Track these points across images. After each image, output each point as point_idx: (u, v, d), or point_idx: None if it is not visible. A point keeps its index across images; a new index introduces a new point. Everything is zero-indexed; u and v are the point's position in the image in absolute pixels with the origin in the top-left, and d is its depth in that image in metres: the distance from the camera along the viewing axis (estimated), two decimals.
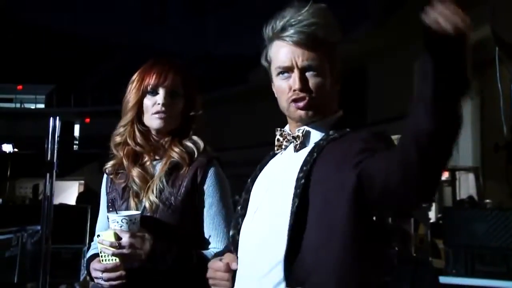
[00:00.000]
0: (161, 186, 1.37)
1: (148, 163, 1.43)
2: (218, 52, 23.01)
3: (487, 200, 7.10)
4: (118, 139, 1.45)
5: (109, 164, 1.47)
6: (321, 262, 0.98)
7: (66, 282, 5.27)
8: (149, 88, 1.40)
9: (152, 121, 1.41)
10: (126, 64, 24.39)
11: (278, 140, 1.16)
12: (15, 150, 15.65)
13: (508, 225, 3.87)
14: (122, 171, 1.44)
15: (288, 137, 1.15)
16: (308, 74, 1.11)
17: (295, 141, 1.13)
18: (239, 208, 1.20)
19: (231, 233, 1.19)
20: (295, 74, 1.10)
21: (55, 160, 4.45)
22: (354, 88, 12.67)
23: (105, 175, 1.52)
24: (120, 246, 1.26)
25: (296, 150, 1.13)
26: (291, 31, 1.09)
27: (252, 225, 1.12)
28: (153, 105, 1.40)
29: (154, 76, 1.40)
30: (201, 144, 1.43)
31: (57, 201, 5.82)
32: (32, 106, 26.20)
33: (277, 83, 1.14)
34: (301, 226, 1.01)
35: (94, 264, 1.31)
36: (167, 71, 1.41)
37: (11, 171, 13.12)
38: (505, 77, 6.71)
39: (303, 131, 1.13)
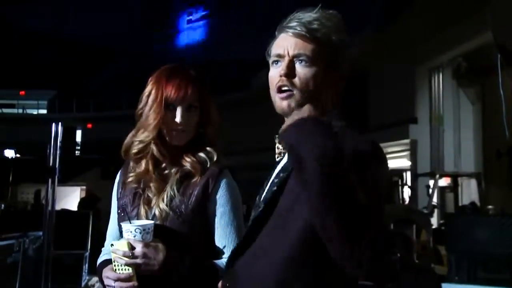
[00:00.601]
0: (172, 194, 1.37)
1: (166, 171, 1.42)
2: (220, 57, 23.06)
3: (490, 206, 7.06)
4: (136, 151, 1.42)
5: (131, 176, 1.43)
6: (259, 270, 0.97)
7: None
8: (168, 103, 1.38)
9: (171, 136, 1.40)
10: (128, 70, 24.54)
11: (278, 147, 1.15)
12: (17, 155, 15.66)
13: (511, 232, 3.86)
14: (134, 175, 1.43)
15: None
16: (298, 63, 1.09)
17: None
18: (250, 224, 1.18)
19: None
20: (285, 61, 1.09)
21: (57, 166, 4.47)
22: (355, 93, 12.71)
23: (116, 179, 1.51)
24: (133, 256, 1.25)
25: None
26: (293, 23, 1.10)
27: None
28: (172, 120, 1.39)
29: (172, 91, 1.37)
30: (215, 154, 1.42)
31: (58, 206, 5.82)
32: (35, 112, 26.28)
33: (270, 72, 1.14)
34: (258, 231, 1.01)
35: (107, 273, 1.30)
36: (186, 85, 1.38)
37: (13, 176, 13.15)
38: (507, 83, 6.71)
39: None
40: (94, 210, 6.88)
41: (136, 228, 1.27)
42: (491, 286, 3.59)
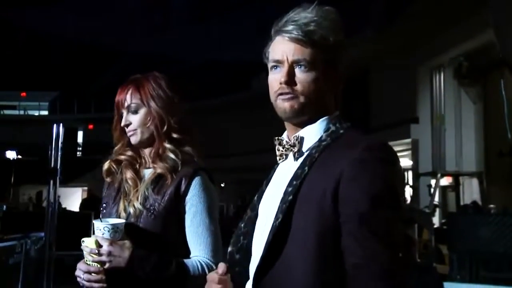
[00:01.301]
0: (146, 193, 1.42)
1: (141, 172, 1.50)
2: (221, 59, 23.06)
3: (491, 205, 7.06)
4: (113, 155, 1.55)
5: (105, 165, 1.55)
6: (293, 279, 0.97)
7: None
8: (118, 110, 1.51)
9: (130, 139, 1.51)
10: (129, 71, 24.42)
11: (278, 149, 1.14)
12: (19, 156, 15.70)
13: None
14: (118, 176, 1.52)
15: (286, 146, 1.12)
16: (297, 69, 1.08)
17: (293, 149, 1.11)
18: (241, 225, 1.17)
19: (229, 249, 1.17)
20: (284, 67, 1.08)
21: (58, 167, 4.48)
22: (356, 93, 12.71)
23: (105, 183, 1.59)
24: (99, 254, 1.31)
25: (296, 158, 1.11)
26: (289, 27, 1.08)
27: (256, 243, 1.11)
28: (123, 124, 1.50)
29: (117, 98, 1.51)
30: (178, 151, 1.47)
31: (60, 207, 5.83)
32: (36, 113, 26.38)
33: (269, 78, 1.13)
34: (281, 241, 1.00)
35: (80, 264, 1.36)
36: (127, 90, 1.49)
37: (15, 177, 13.19)
38: (509, 82, 6.71)
39: (297, 137, 1.10)
40: (96, 211, 6.87)
41: (105, 227, 1.32)
42: (492, 285, 3.53)
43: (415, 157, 10.30)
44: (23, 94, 25.69)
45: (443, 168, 9.20)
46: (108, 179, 1.55)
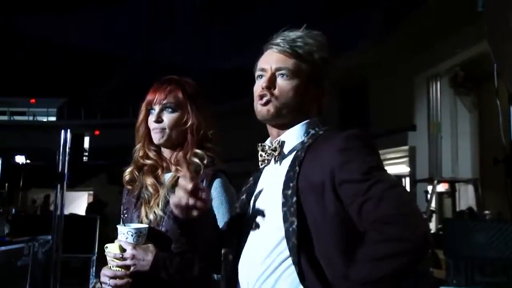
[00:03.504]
0: (168, 198, 1.37)
1: (160, 173, 1.47)
2: (225, 66, 23.02)
3: (486, 211, 7.11)
4: (135, 158, 1.51)
5: (127, 172, 1.51)
6: (332, 268, 0.98)
7: None
8: (148, 107, 1.47)
9: (152, 136, 1.47)
10: (134, 78, 24.65)
11: (261, 155, 1.16)
12: (28, 161, 15.79)
13: (508, 237, 3.89)
14: (138, 184, 1.49)
15: (268, 151, 1.15)
16: (279, 77, 1.13)
17: (274, 153, 1.14)
18: (233, 226, 1.19)
19: (223, 250, 1.18)
20: (267, 74, 1.14)
21: (65, 172, 4.55)
22: (356, 101, 12.75)
23: (124, 189, 1.56)
24: (123, 258, 1.31)
25: (276, 161, 1.14)
26: (278, 40, 1.15)
27: (250, 248, 1.11)
28: (151, 122, 1.46)
29: (151, 94, 1.46)
30: (206, 157, 1.44)
31: (67, 211, 5.90)
32: (44, 119, 26.48)
33: (254, 86, 1.17)
34: (306, 241, 1.00)
35: (105, 270, 1.35)
36: (164, 88, 1.45)
37: (23, 181, 13.28)
38: (503, 91, 6.79)
39: (278, 141, 1.14)
40: (102, 215, 6.97)
41: (129, 231, 1.32)
42: None
43: (412, 164, 10.34)
44: (32, 100, 25.73)
45: (440, 174, 9.23)
46: (129, 187, 1.52)
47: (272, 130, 1.18)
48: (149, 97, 1.47)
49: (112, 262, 1.32)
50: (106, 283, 1.33)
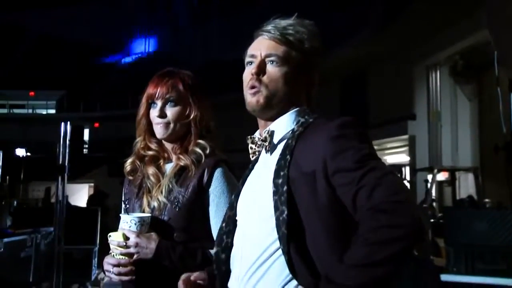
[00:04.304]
0: (170, 186, 1.41)
1: (161, 163, 1.49)
2: (226, 57, 22.98)
3: (486, 200, 7.14)
4: (135, 150, 1.53)
5: (128, 162, 1.53)
6: (319, 255, 0.98)
7: (78, 282, 5.37)
8: (150, 101, 1.47)
9: (156, 131, 1.48)
10: (133, 71, 24.61)
11: (251, 148, 1.16)
12: (28, 154, 15.84)
13: (507, 224, 3.90)
14: (139, 174, 1.50)
15: (258, 142, 1.15)
16: (269, 64, 1.11)
17: (264, 144, 1.13)
18: (223, 225, 1.18)
19: (214, 249, 1.17)
20: (256, 60, 1.12)
21: (66, 164, 4.58)
22: (355, 91, 12.75)
23: (125, 179, 1.57)
24: (127, 246, 1.32)
25: (267, 151, 1.14)
26: (269, 27, 1.14)
27: (241, 240, 1.11)
28: (154, 116, 1.47)
29: (152, 88, 1.46)
30: (208, 147, 1.45)
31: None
32: (44, 112, 26.50)
33: (244, 73, 1.16)
34: (297, 231, 0.99)
35: (108, 259, 1.36)
36: (165, 81, 1.45)
37: (24, 174, 13.33)
38: (503, 79, 6.78)
39: (268, 131, 1.13)
40: (103, 206, 7.01)
41: (132, 219, 1.34)
42: (488, 276, 3.61)
43: (412, 153, 10.35)
44: (32, 93, 25.74)
45: (440, 163, 9.25)
46: (130, 177, 1.53)
47: (260, 122, 1.17)
48: (150, 90, 1.46)
49: (115, 250, 1.33)
50: (109, 271, 1.35)
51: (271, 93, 1.10)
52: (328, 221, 0.98)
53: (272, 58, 1.11)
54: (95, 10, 28.59)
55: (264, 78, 1.11)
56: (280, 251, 1.00)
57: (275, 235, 1.00)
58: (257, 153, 1.16)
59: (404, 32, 9.62)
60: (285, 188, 1.00)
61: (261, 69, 1.11)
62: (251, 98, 1.12)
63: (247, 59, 1.15)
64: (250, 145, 1.16)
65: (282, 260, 1.00)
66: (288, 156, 1.04)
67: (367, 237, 0.90)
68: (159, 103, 1.45)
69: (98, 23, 28.10)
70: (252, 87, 1.11)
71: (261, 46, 1.13)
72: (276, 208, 1.01)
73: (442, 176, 8.76)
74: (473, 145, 9.69)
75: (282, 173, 1.02)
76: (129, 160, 1.52)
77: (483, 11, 6.76)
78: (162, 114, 1.44)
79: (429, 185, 7.99)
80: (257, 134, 1.18)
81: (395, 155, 11.57)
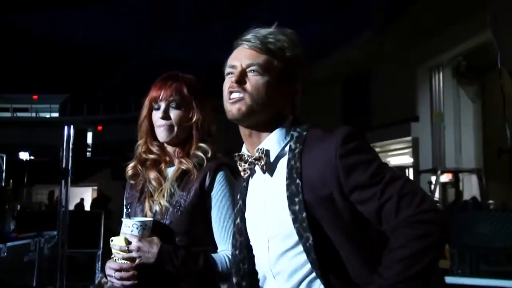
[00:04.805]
0: (172, 190, 1.40)
1: (163, 167, 1.47)
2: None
3: (490, 201, 7.12)
4: (137, 153, 1.52)
5: (130, 166, 1.52)
6: (351, 272, 1.00)
7: (82, 285, 5.36)
8: (153, 103, 1.46)
9: (158, 133, 1.46)
10: (136, 73, 24.71)
11: (241, 165, 1.12)
12: (32, 157, 15.85)
13: None
14: (141, 179, 1.49)
15: (250, 160, 1.11)
16: (250, 73, 1.09)
17: (259, 163, 1.09)
18: (236, 252, 1.15)
19: (234, 280, 1.14)
20: (236, 71, 1.09)
21: (69, 168, 4.58)
22: (358, 93, 12.74)
23: (127, 183, 1.57)
24: (129, 250, 1.31)
25: (264, 171, 1.10)
26: (249, 36, 1.11)
27: (268, 268, 1.08)
28: (157, 118, 1.46)
29: (156, 91, 1.46)
30: (210, 151, 1.45)
31: (71, 206, 5.94)
32: (47, 115, 26.58)
33: (224, 84, 1.13)
34: (327, 256, 0.99)
35: (110, 263, 1.35)
36: (169, 85, 1.45)
37: (27, 178, 13.34)
38: (507, 81, 6.77)
39: (262, 150, 1.09)
40: (106, 210, 7.00)
41: (134, 224, 1.33)
42: (493, 278, 3.57)
43: (415, 154, 10.34)
44: (35, 97, 25.83)
45: (443, 165, 9.25)
46: (131, 181, 1.52)
47: (245, 132, 1.13)
48: (153, 93, 1.46)
49: (117, 254, 1.32)
50: (111, 276, 1.34)
51: (254, 101, 1.07)
52: (355, 239, 1.00)
53: (253, 68, 1.09)
54: (98, 13, 28.72)
55: (246, 86, 1.08)
56: (313, 275, 1.01)
57: (304, 260, 1.01)
58: (248, 170, 1.12)
59: (407, 34, 9.63)
60: (304, 214, 0.99)
61: (241, 78, 1.08)
62: (232, 106, 1.08)
63: (227, 69, 1.12)
64: (239, 162, 1.12)
65: (318, 283, 1.01)
66: (298, 180, 1.02)
67: (404, 250, 0.92)
68: (162, 105, 1.45)
69: (101, 26, 28.21)
70: (233, 94, 1.08)
71: (241, 56, 1.11)
72: (300, 236, 1.00)
73: (445, 177, 8.75)
74: (476, 146, 9.69)
75: (297, 199, 1.01)
76: (131, 165, 1.51)
77: (486, 12, 6.76)
78: (166, 116, 1.44)
79: (432, 186, 7.98)
80: (245, 151, 1.14)
81: (398, 157, 11.55)
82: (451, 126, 9.86)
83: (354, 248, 0.99)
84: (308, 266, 1.01)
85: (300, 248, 1.01)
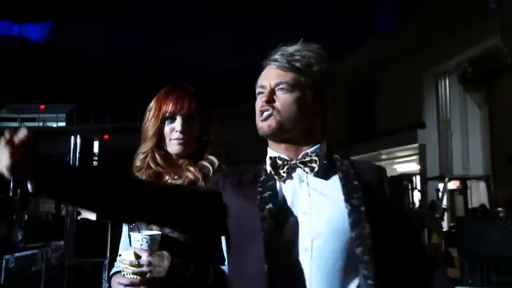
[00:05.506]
0: None
1: (168, 181, 1.45)
2: (232, 67, 23.06)
3: (499, 208, 7.05)
4: (139, 163, 1.49)
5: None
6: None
7: None
8: (167, 115, 1.45)
9: (172, 147, 1.45)
10: (141, 82, 24.87)
11: (279, 167, 1.13)
12: None
13: None
14: None
15: (291, 164, 1.13)
16: (279, 92, 1.13)
17: (309, 165, 1.12)
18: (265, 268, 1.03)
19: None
20: (266, 90, 1.14)
21: None
22: (364, 99, 12.71)
23: None
24: (139, 265, 1.29)
25: (316, 174, 1.12)
26: (276, 56, 1.15)
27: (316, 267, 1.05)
28: (172, 131, 1.45)
29: (171, 104, 1.44)
30: (216, 163, 1.45)
31: (78, 216, 5.91)
32: (54, 125, 26.79)
33: (256, 103, 1.16)
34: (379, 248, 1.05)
35: (119, 278, 1.32)
36: (183, 98, 1.45)
37: None
38: None
39: (315, 153, 1.13)
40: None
41: (143, 238, 1.31)
42: None
43: (422, 161, 10.28)
44: (42, 106, 26.10)
45: (451, 172, 9.18)
46: None
47: (281, 146, 1.14)
48: (167, 107, 1.45)
49: (126, 269, 1.29)
50: None
51: (284, 117, 1.11)
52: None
53: (281, 86, 1.12)
54: (103, 23, 29.00)
55: (276, 104, 1.12)
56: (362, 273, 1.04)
57: (354, 258, 1.04)
58: (285, 175, 1.12)
59: (412, 40, 9.62)
60: (363, 207, 1.05)
61: (271, 97, 1.12)
62: (263, 123, 1.12)
63: (258, 89, 1.16)
64: (279, 163, 1.13)
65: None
66: (355, 182, 1.09)
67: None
68: (179, 119, 1.44)
69: (106, 36, 28.48)
70: (264, 111, 1.12)
71: (270, 76, 1.14)
72: (355, 226, 1.04)
73: (453, 184, 8.69)
74: (484, 153, 9.63)
75: (356, 196, 1.07)
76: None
77: (491, 18, 6.74)
78: (184, 130, 1.43)
79: (440, 194, 7.91)
80: (283, 156, 1.14)
81: (405, 164, 11.50)
82: (458, 133, 9.82)
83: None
84: (354, 261, 1.04)
85: (348, 246, 1.04)
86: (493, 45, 7.39)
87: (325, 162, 1.13)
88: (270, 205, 1.09)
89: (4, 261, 3.62)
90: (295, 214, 1.09)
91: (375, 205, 1.07)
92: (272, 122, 1.11)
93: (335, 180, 1.11)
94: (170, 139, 1.45)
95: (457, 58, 9.40)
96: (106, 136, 22.24)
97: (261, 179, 1.15)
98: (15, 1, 27.71)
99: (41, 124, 26.67)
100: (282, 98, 1.12)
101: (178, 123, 1.44)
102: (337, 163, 1.14)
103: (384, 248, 1.05)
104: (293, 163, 1.12)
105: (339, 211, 1.06)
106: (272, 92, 1.13)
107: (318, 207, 1.08)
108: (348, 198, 1.06)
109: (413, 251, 1.13)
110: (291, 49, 1.15)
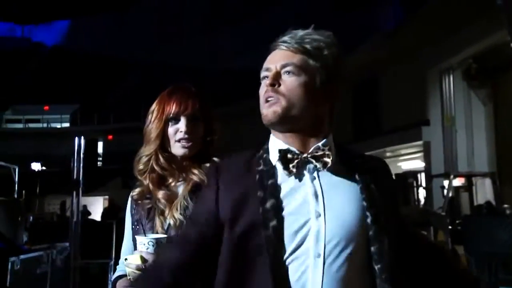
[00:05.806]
0: (185, 203, 1.38)
1: (172, 184, 1.44)
2: (234, 67, 23.05)
3: (506, 205, 6.99)
4: (141, 166, 1.46)
5: (136, 191, 1.48)
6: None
7: None
8: (170, 116, 1.43)
9: (176, 148, 1.43)
10: (146, 82, 24.91)
11: (290, 161, 1.02)
12: (43, 168, 15.97)
13: None
14: (148, 195, 1.46)
15: (302, 158, 1.02)
16: (285, 75, 1.03)
17: (322, 159, 1.02)
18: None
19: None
20: (271, 73, 1.04)
21: (80, 178, 4.60)
22: (367, 97, 12.68)
23: (129, 198, 1.53)
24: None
25: (330, 169, 1.02)
26: (285, 38, 1.07)
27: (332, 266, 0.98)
28: (176, 132, 1.43)
29: (174, 105, 1.42)
30: None
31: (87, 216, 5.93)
32: (58, 126, 26.90)
33: (259, 89, 1.08)
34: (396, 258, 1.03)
35: (125, 282, 1.31)
36: (187, 98, 1.43)
37: (40, 188, 13.43)
38: None
39: (327, 146, 1.03)
40: (117, 219, 6.99)
41: (149, 241, 1.29)
42: None
43: (427, 159, 10.21)
44: (46, 107, 26.22)
45: (456, 169, 9.13)
46: (139, 201, 1.48)
47: (288, 140, 1.05)
48: (171, 108, 1.42)
49: (133, 273, 1.27)
50: None
51: (289, 103, 1.01)
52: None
53: (288, 68, 1.03)
54: (106, 23, 29.08)
55: (281, 88, 1.02)
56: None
57: (366, 271, 1.01)
58: (294, 170, 1.02)
59: (416, 36, 9.58)
60: (383, 218, 1.01)
61: (276, 80, 1.03)
62: (267, 110, 1.02)
63: (262, 73, 1.07)
64: (289, 157, 1.02)
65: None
66: (372, 186, 1.03)
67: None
68: (183, 119, 1.42)
69: (110, 36, 28.55)
70: (268, 98, 1.03)
71: (276, 58, 1.06)
72: (374, 239, 1.00)
73: (458, 182, 8.64)
74: (489, 149, 9.58)
75: (377, 203, 1.02)
76: (137, 190, 1.47)
77: (496, 14, 6.68)
78: (188, 131, 1.41)
79: (445, 191, 7.87)
80: (294, 150, 1.03)
81: (409, 161, 11.46)
82: (462, 130, 9.76)
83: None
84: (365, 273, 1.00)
85: (362, 254, 0.99)
86: (497, 41, 7.33)
87: (336, 156, 1.05)
88: (274, 222, 0.98)
89: (9, 263, 3.62)
90: (306, 217, 0.99)
91: (391, 213, 1.04)
92: (277, 108, 1.01)
93: (349, 178, 1.03)
94: (175, 141, 1.43)
95: (461, 54, 9.33)
96: (110, 137, 22.33)
97: (261, 174, 1.04)
98: (18, 2, 27.79)
99: (45, 125, 26.83)
100: (288, 81, 1.02)
101: (182, 124, 1.42)
102: (348, 157, 1.07)
103: (402, 264, 1.02)
104: (304, 157, 1.02)
105: (356, 215, 0.99)
106: (277, 75, 1.03)
107: (332, 209, 1.00)
108: (369, 206, 1.00)
109: (456, 274, 1.15)
110: (301, 32, 1.07)
